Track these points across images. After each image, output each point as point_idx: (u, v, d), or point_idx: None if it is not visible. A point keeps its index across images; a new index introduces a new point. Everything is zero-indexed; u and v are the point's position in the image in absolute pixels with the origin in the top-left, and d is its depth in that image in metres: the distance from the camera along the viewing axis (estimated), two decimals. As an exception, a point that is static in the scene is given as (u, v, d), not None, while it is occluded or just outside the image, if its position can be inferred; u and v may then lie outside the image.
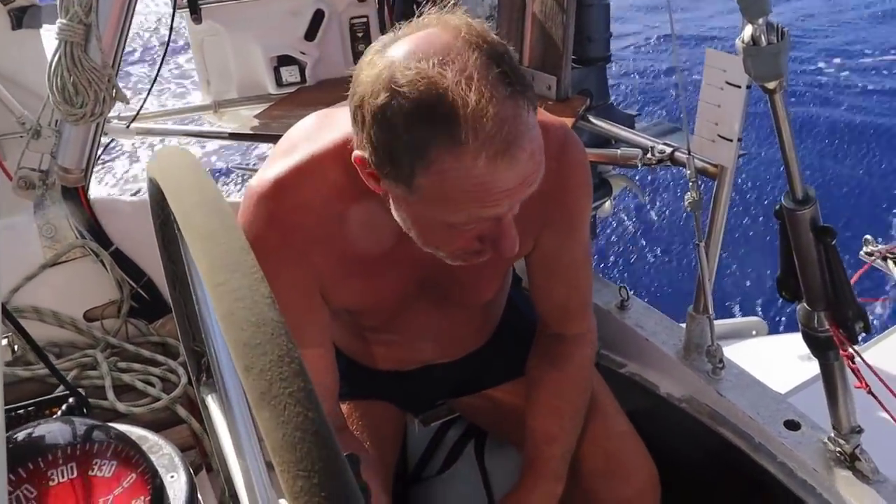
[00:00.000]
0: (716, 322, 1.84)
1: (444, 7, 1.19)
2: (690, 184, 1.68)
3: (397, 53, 1.12)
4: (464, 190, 1.13)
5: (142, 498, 0.78)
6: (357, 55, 2.68)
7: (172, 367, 2.11)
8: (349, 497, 0.53)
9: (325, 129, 1.38)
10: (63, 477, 0.79)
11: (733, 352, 2.17)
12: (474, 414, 2.02)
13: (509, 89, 1.11)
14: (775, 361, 2.65)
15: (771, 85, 1.22)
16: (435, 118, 1.08)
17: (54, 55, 1.94)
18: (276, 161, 1.38)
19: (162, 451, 0.84)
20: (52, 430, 0.84)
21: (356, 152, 1.21)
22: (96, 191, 2.29)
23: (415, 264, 1.47)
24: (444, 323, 1.70)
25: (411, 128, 1.10)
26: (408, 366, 1.81)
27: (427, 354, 1.79)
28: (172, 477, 0.81)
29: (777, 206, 1.33)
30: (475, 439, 2.23)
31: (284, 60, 2.60)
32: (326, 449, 0.54)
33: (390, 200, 1.25)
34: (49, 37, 2.06)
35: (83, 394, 1.26)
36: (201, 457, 1.88)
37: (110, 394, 2.00)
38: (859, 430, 1.57)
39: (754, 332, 3.33)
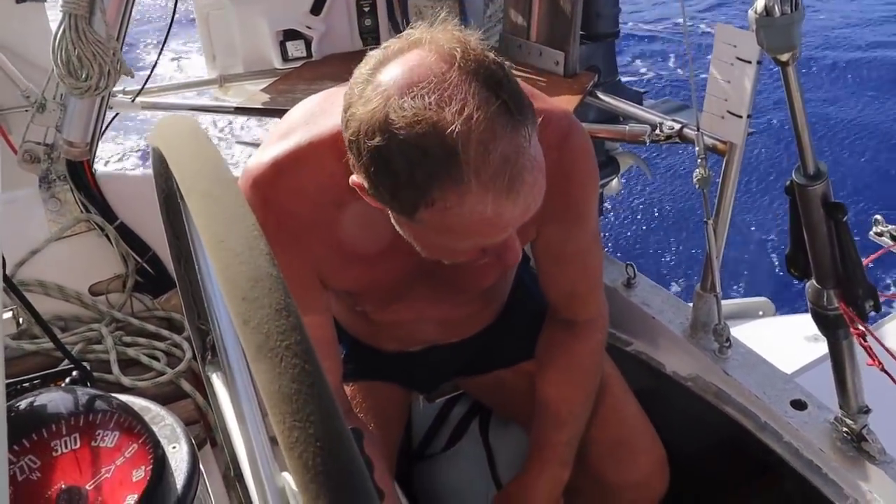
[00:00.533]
0: (723, 302, 1.83)
1: (435, 17, 1.15)
2: (699, 161, 1.66)
3: (390, 85, 1.07)
4: (468, 224, 1.11)
5: (143, 467, 0.77)
6: (363, 30, 2.67)
7: (177, 341, 2.11)
8: (343, 445, 0.53)
9: (324, 115, 1.34)
10: (66, 447, 0.79)
11: (740, 332, 2.16)
12: (480, 392, 2.02)
13: (510, 123, 1.07)
14: (782, 342, 2.64)
15: (784, 57, 1.20)
16: (436, 161, 1.05)
17: (58, 28, 1.92)
18: (273, 144, 1.35)
19: (164, 422, 0.83)
20: (55, 399, 0.84)
21: (353, 178, 1.17)
22: (101, 164, 2.28)
23: (413, 252, 1.45)
24: (445, 306, 1.68)
25: (412, 170, 1.06)
26: (412, 346, 1.80)
27: (431, 335, 1.78)
28: (174, 448, 0.80)
29: (788, 182, 1.32)
30: (480, 416, 2.23)
31: (290, 35, 2.58)
32: (322, 400, 0.53)
33: (391, 216, 1.22)
34: (53, 10, 2.05)
35: (87, 367, 1.26)
36: (205, 431, 1.89)
37: (115, 368, 2.00)
38: (867, 410, 1.56)
39: (761, 313, 3.32)
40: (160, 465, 0.77)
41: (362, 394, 1.75)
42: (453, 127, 1.03)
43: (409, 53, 1.10)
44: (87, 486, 0.77)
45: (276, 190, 1.33)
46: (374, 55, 1.14)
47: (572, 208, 1.50)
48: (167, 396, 1.95)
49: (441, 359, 1.84)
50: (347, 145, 1.14)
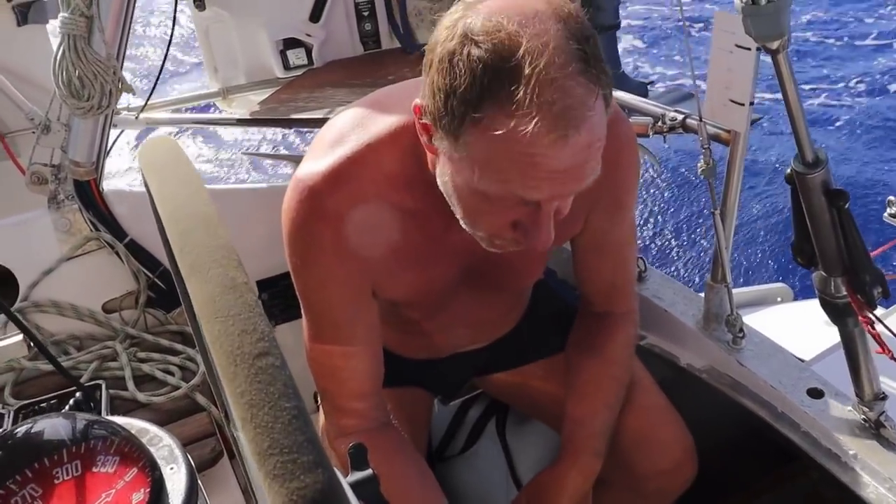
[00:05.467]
0: (740, 290, 1.82)
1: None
2: (703, 150, 1.65)
3: (483, 5, 1.09)
4: (509, 156, 1.08)
5: (142, 490, 0.77)
6: (363, 34, 2.67)
7: (191, 355, 2.12)
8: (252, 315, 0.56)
9: (378, 116, 1.34)
10: (67, 475, 0.79)
11: (758, 319, 2.15)
12: (499, 390, 2.01)
13: (584, 72, 1.05)
14: (800, 328, 2.62)
15: (773, 45, 1.19)
16: (499, 71, 1.04)
17: (58, 49, 1.93)
18: (325, 151, 1.33)
19: (162, 443, 0.83)
20: (56, 426, 0.84)
21: (417, 100, 1.18)
22: (109, 183, 2.29)
23: (463, 252, 1.43)
24: (482, 309, 1.68)
25: (473, 75, 1.05)
26: (441, 354, 1.81)
27: (461, 342, 1.79)
28: (172, 469, 0.80)
29: (788, 171, 1.30)
30: (496, 416, 2.22)
31: (290, 43, 2.59)
32: (242, 296, 0.59)
33: (437, 165, 1.21)
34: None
35: (83, 385, 1.26)
36: (222, 443, 1.89)
37: (130, 384, 2.00)
38: (883, 397, 1.54)
39: (779, 299, 3.29)
40: (158, 487, 0.77)
41: (391, 400, 1.74)
42: (527, 46, 1.02)
43: None
44: (87, 511, 0.77)
45: (334, 199, 1.31)
46: None
47: (617, 196, 1.51)
48: (182, 411, 1.96)
49: (465, 363, 1.85)
50: (424, 62, 1.14)
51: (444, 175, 1.21)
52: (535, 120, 1.03)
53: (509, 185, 1.12)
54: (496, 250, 1.28)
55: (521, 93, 1.03)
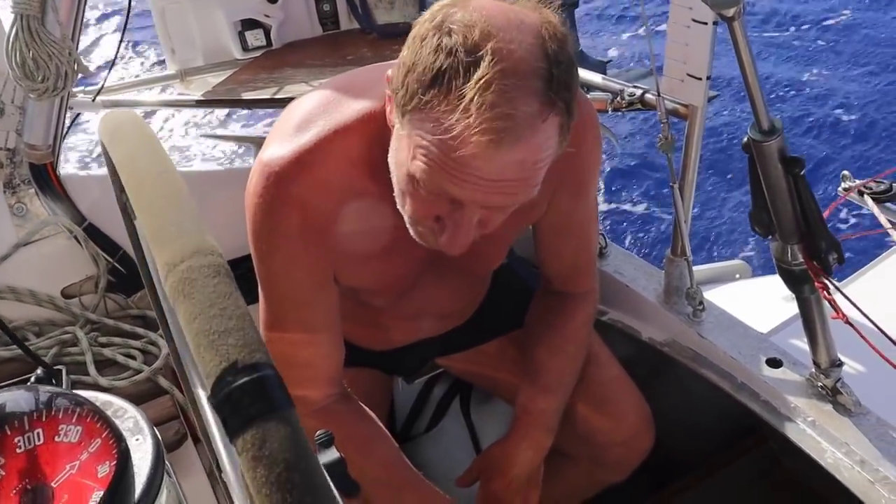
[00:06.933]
0: (699, 267, 1.85)
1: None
2: (662, 125, 1.67)
3: (476, 2, 1.09)
4: (440, 148, 1.08)
5: (108, 463, 0.77)
6: (322, 16, 2.65)
7: (153, 338, 2.10)
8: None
9: (345, 100, 1.32)
10: (30, 444, 0.78)
11: (717, 295, 2.18)
12: (461, 368, 2.02)
13: (543, 88, 1.05)
14: (759, 303, 2.66)
15: (729, 12, 1.20)
16: (458, 63, 1.03)
17: (11, 29, 1.89)
18: (291, 136, 1.31)
19: (127, 415, 0.83)
20: (16, 397, 0.83)
21: (390, 71, 1.17)
22: (67, 167, 2.26)
23: None
24: (445, 296, 1.69)
25: (434, 59, 1.05)
26: (402, 343, 1.81)
27: (424, 331, 1.79)
28: (138, 440, 0.80)
29: (744, 139, 1.32)
30: (460, 394, 2.24)
31: (248, 24, 2.56)
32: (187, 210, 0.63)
33: (392, 139, 1.21)
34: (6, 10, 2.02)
35: (62, 369, 1.25)
36: (186, 426, 1.88)
37: (91, 369, 1.99)
38: (839, 364, 1.57)
39: (738, 276, 3.34)
40: (124, 458, 0.76)
41: (347, 382, 1.75)
42: (493, 48, 1.02)
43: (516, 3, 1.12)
44: (52, 484, 0.76)
45: (300, 185, 1.29)
46: None
47: (582, 177, 1.52)
48: (145, 394, 1.95)
49: (426, 348, 1.85)
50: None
51: (392, 150, 1.21)
52: (472, 119, 1.03)
53: (435, 177, 1.11)
54: (417, 239, 1.27)
55: (470, 89, 1.02)
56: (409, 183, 1.17)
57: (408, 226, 1.26)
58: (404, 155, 1.15)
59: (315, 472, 0.50)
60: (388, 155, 1.22)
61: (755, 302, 2.71)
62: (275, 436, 0.50)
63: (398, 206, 1.25)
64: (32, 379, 1.15)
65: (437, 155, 1.08)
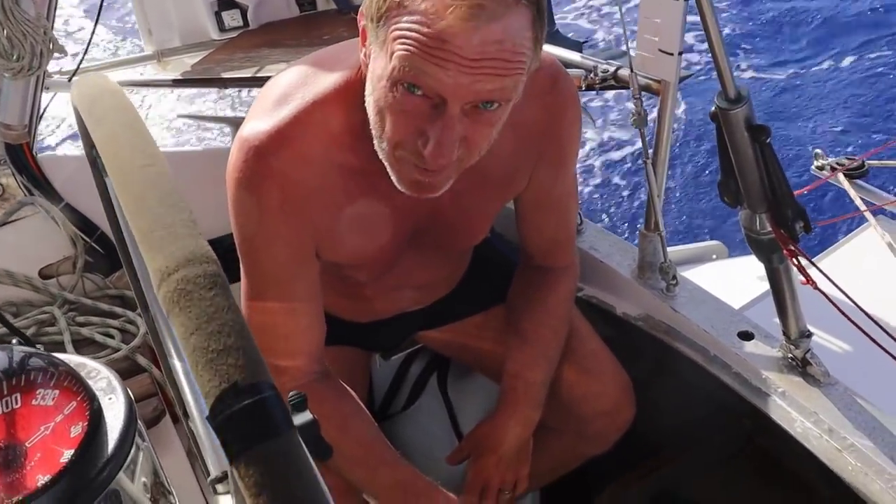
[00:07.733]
0: (675, 248, 1.86)
1: None
2: (634, 100, 1.68)
3: None
4: (417, 30, 1.07)
5: (81, 424, 0.78)
6: (299, -5, 2.65)
7: (131, 317, 2.11)
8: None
9: (322, 73, 1.32)
10: (7, 407, 0.79)
11: (693, 275, 2.20)
12: (440, 343, 2.02)
13: None
14: (733, 281, 2.69)
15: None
16: None
17: (-16, 8, 1.89)
18: (270, 110, 1.31)
19: (100, 375, 0.84)
20: (-8, 360, 0.84)
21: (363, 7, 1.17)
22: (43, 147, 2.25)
23: (410, 212, 1.44)
24: (427, 270, 1.70)
25: None
26: (383, 316, 1.81)
27: (405, 303, 1.80)
28: (111, 399, 0.81)
29: (712, 109, 1.33)
30: (438, 371, 2.25)
31: (225, 5, 2.56)
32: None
33: (367, 82, 1.20)
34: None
35: (27, 335, 1.25)
36: (164, 403, 1.89)
37: (69, 348, 1.99)
38: (809, 335, 1.60)
39: (714, 256, 3.36)
40: (97, 417, 0.78)
41: (328, 360, 1.76)
42: None
43: None
44: (26, 444, 0.77)
45: (280, 158, 1.29)
46: None
47: (563, 151, 1.53)
48: (123, 372, 1.93)
49: (406, 322, 1.86)
50: None
51: (369, 85, 1.20)
52: (447, 5, 1.04)
53: (416, 61, 1.09)
54: (397, 177, 1.25)
55: None
56: (392, 101, 1.15)
57: (387, 163, 1.24)
58: (382, 66, 1.14)
59: (318, 496, 0.51)
60: (366, 101, 1.21)
61: (730, 280, 2.74)
62: (277, 460, 0.51)
63: (375, 144, 1.23)
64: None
65: (415, 37, 1.08)
